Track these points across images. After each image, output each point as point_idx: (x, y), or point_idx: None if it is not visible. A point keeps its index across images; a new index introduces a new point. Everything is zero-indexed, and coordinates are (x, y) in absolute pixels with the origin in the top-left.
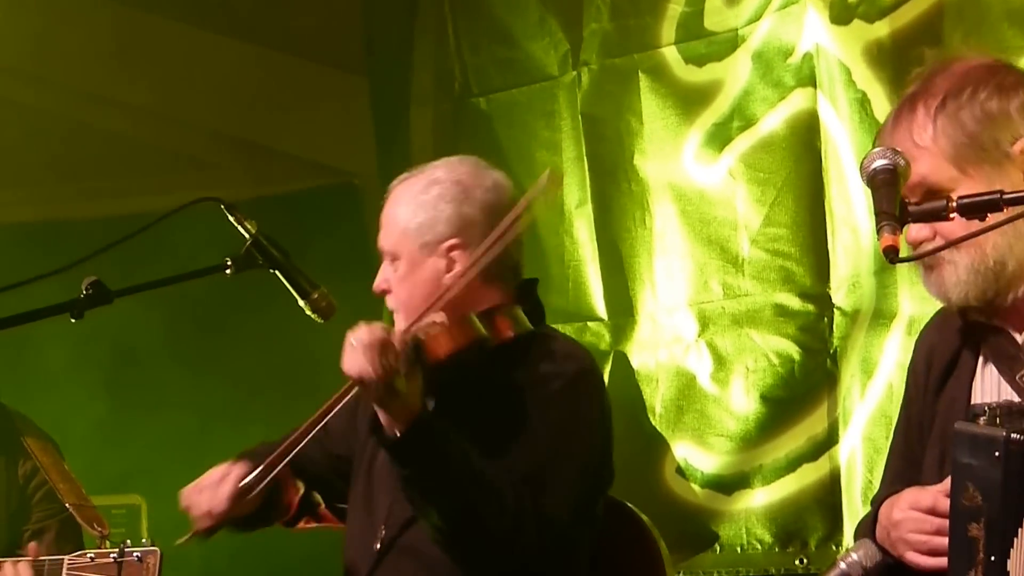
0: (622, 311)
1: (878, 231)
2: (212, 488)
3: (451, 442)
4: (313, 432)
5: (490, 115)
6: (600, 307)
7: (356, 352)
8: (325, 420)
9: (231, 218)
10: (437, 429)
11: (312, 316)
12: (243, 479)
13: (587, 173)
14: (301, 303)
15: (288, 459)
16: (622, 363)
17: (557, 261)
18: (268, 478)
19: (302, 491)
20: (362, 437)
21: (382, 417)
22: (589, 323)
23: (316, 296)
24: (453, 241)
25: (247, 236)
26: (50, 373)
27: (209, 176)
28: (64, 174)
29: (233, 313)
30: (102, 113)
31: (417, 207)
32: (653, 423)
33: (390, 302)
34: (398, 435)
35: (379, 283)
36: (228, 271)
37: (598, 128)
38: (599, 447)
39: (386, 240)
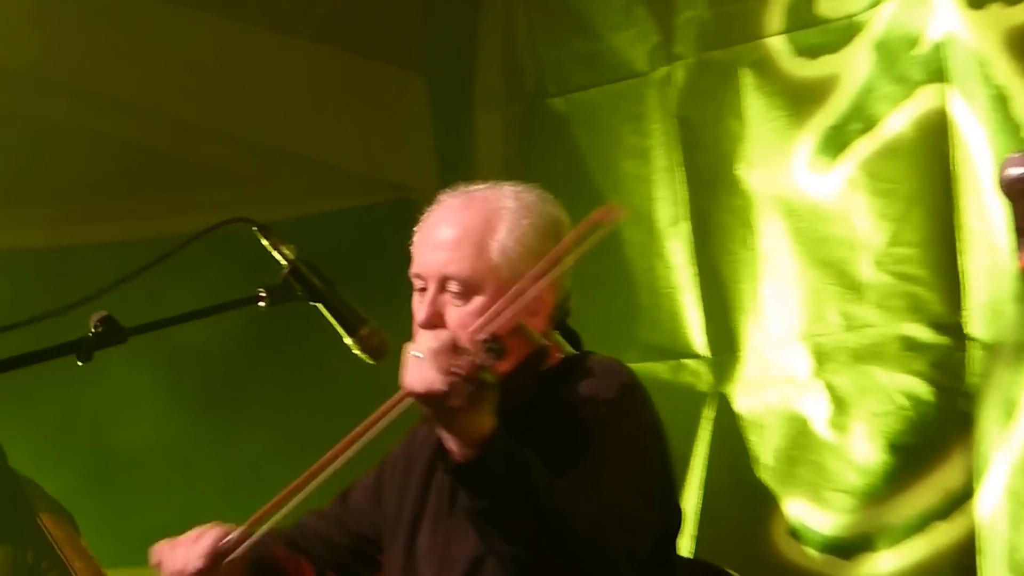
0: (724, 346)
1: (1018, 250)
2: (188, 545)
3: (533, 467)
4: (312, 486)
5: (568, 118)
6: (698, 342)
7: (423, 362)
8: (328, 470)
9: (265, 242)
10: (518, 449)
11: (361, 356)
12: (224, 538)
13: (681, 186)
14: (348, 341)
15: (275, 516)
16: (724, 407)
17: (647, 289)
18: (251, 539)
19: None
20: (392, 511)
21: (451, 442)
22: (685, 360)
23: (366, 332)
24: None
25: (284, 263)
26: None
27: (244, 193)
28: (77, 192)
29: (268, 352)
30: (121, 121)
31: (520, 235)
32: (761, 477)
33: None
34: (472, 458)
35: (430, 314)
36: (262, 304)
37: (694, 133)
38: (666, 465)
39: (460, 266)
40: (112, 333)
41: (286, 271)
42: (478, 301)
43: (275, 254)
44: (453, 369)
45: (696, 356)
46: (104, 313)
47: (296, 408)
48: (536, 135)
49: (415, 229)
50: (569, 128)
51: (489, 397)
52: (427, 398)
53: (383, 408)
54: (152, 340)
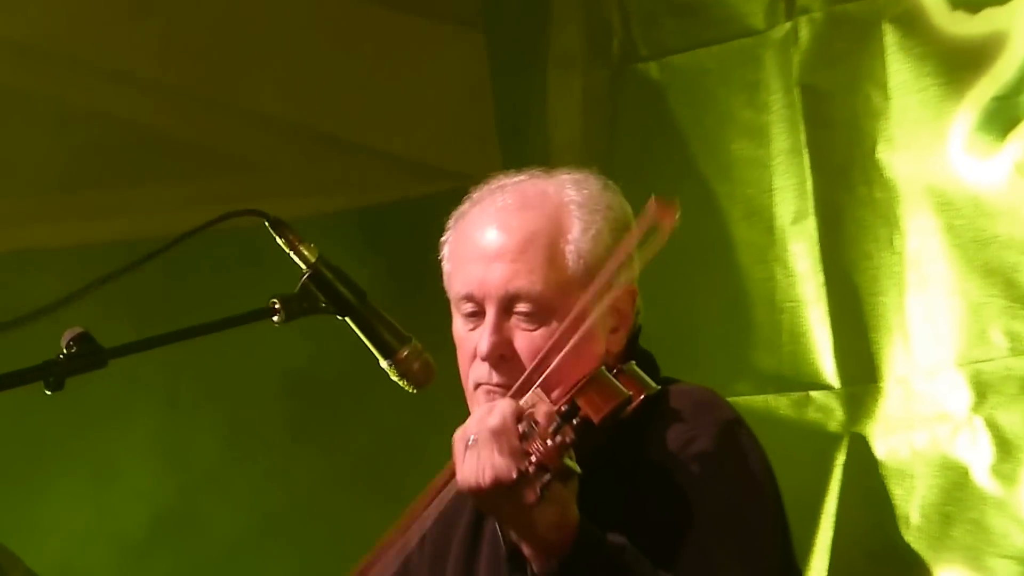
0: (860, 375)
1: None
2: None
3: (634, 566)
4: None
5: (664, 87)
6: (828, 369)
7: (479, 449)
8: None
9: (280, 240)
10: (614, 549)
11: (400, 383)
12: None
13: (808, 173)
14: (383, 364)
15: None
16: (861, 451)
17: (764, 302)
18: None
19: None
20: None
21: (527, 547)
22: (812, 393)
23: (406, 354)
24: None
25: (303, 267)
26: None
27: (266, 181)
28: (71, 181)
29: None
30: (125, 98)
31: (595, 234)
32: (907, 538)
33: (504, 373)
34: (557, 569)
35: (497, 343)
36: (276, 319)
37: (824, 106)
38: (783, 528)
39: (530, 280)
40: (88, 355)
41: (305, 277)
42: (555, 324)
43: (292, 256)
44: (526, 451)
45: (825, 387)
46: (79, 330)
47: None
48: (623, 108)
49: (446, 239)
50: (665, 100)
51: (571, 487)
52: (490, 494)
53: (431, 490)
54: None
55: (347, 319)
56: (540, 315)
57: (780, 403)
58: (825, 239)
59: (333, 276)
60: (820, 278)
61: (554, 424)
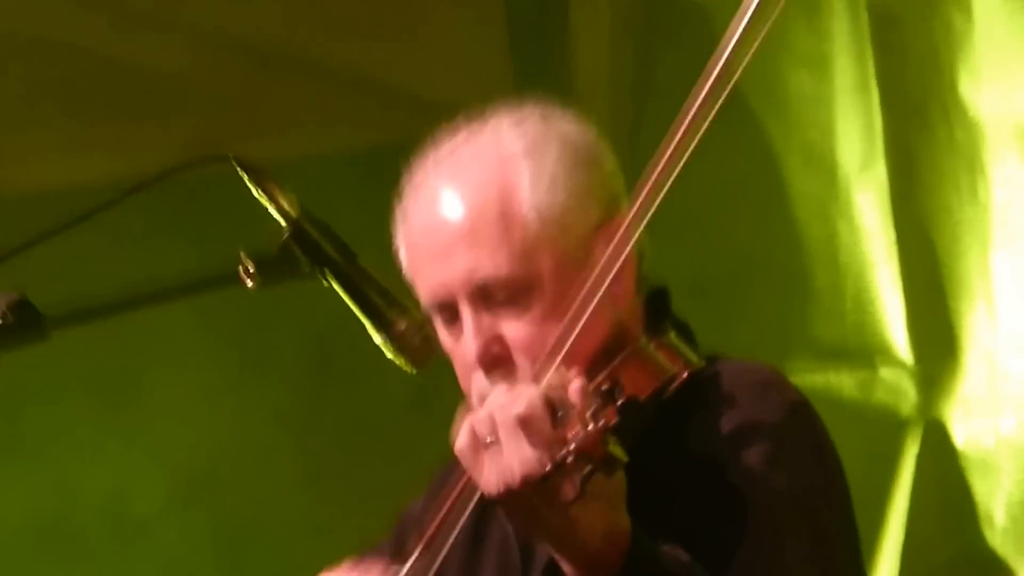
0: (937, 349)
1: None
2: None
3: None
4: None
5: (708, 12)
6: (899, 342)
7: (502, 445)
8: None
9: (254, 189)
10: (671, 558)
11: (396, 361)
12: None
13: (876, 111)
14: (377, 339)
15: None
16: (938, 439)
17: (825, 263)
18: None
19: None
20: None
21: (569, 562)
22: (880, 370)
23: (403, 328)
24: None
25: (283, 222)
26: None
27: (257, 118)
28: (23, 120)
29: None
30: (90, 27)
31: (551, 180)
32: (990, 541)
33: (507, 374)
34: None
35: (485, 343)
36: (249, 283)
37: (896, 32)
38: (853, 526)
39: (493, 261)
40: (26, 325)
41: (286, 235)
42: (542, 299)
43: (269, 207)
44: (562, 437)
45: (895, 364)
46: (16, 296)
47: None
48: (658, 32)
49: (397, 244)
50: (709, 23)
51: (618, 483)
52: (522, 496)
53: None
54: None
55: (335, 285)
56: (520, 296)
57: (842, 382)
58: (896, 189)
59: (319, 233)
60: (891, 235)
61: (593, 404)
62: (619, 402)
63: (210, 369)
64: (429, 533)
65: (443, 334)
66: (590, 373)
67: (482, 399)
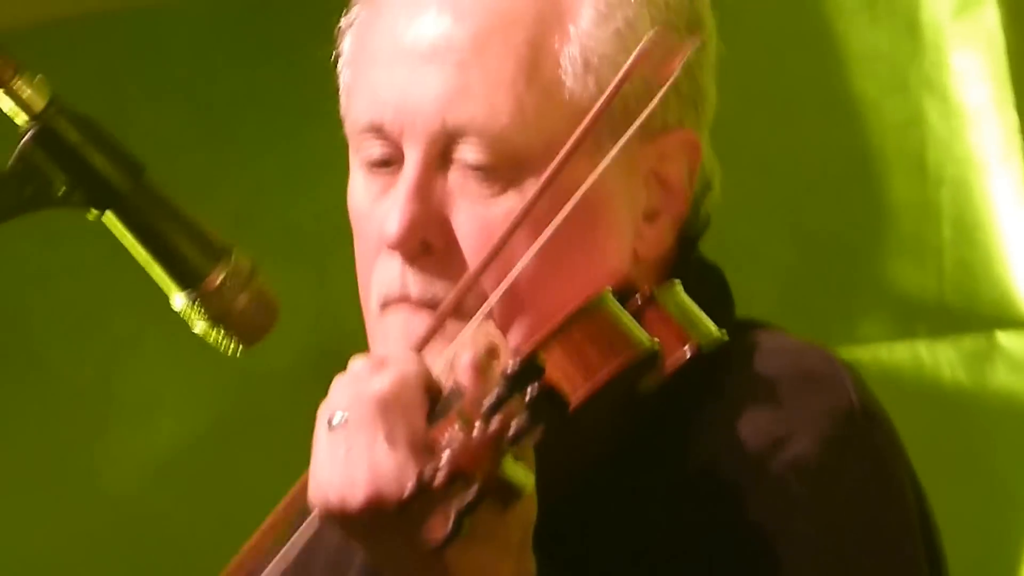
0: None
1: None
2: None
3: None
4: None
5: None
6: None
7: (349, 435)
8: None
9: None
10: None
11: (208, 337)
12: None
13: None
14: (177, 301)
15: None
16: None
17: (908, 172)
18: None
19: None
20: None
21: None
22: (999, 333)
23: (221, 282)
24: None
25: (21, 122)
26: None
27: None
28: None
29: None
30: None
31: (621, 30)
32: None
33: (434, 278)
34: None
35: (416, 218)
36: None
37: None
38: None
39: (490, 105)
40: None
41: (28, 136)
42: (529, 189)
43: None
44: (433, 442)
45: (1020, 325)
46: None
47: None
48: None
49: (347, 21)
50: None
51: (520, 519)
52: (365, 519)
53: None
54: None
55: (111, 219)
56: (503, 171)
57: (940, 354)
58: (1017, 43)
59: (83, 137)
60: (1012, 118)
61: (493, 396)
62: (531, 397)
63: (195, 369)
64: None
65: (358, 179)
66: (525, 338)
67: (384, 300)
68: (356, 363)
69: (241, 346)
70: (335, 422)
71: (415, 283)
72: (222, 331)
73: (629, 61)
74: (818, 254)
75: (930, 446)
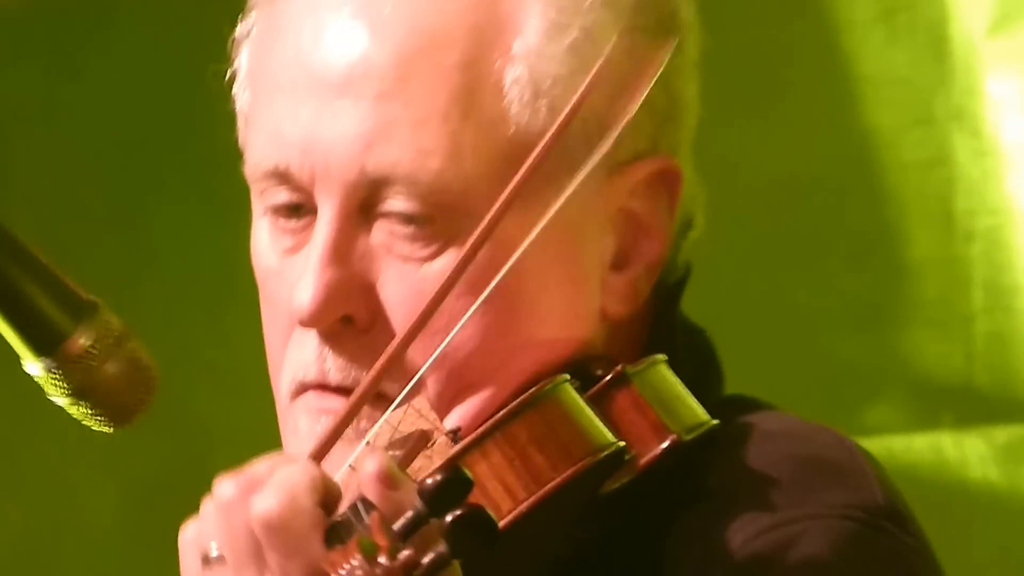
0: None
1: None
2: None
3: None
4: None
5: None
6: None
7: (233, 570)
8: None
9: None
10: None
11: (72, 411)
12: None
13: None
14: (33, 369)
15: None
16: None
17: (932, 224)
18: None
19: None
20: None
21: None
22: None
23: (85, 345)
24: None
25: None
26: None
27: None
28: None
29: None
30: None
31: (584, 39)
32: None
33: (355, 359)
34: None
35: (334, 288)
36: None
37: None
38: None
39: (405, 149)
40: None
41: None
42: (467, 244)
43: None
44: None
45: None
46: None
47: None
48: None
49: (242, 32)
50: None
51: None
52: None
53: None
54: None
55: None
56: (439, 224)
57: (968, 448)
58: None
59: None
60: None
61: (405, 519)
62: (454, 517)
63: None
64: None
65: (263, 229)
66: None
67: (297, 386)
68: (225, 483)
69: (111, 426)
70: (212, 556)
71: (335, 366)
72: (87, 407)
73: (587, 80)
74: (818, 323)
75: (955, 556)
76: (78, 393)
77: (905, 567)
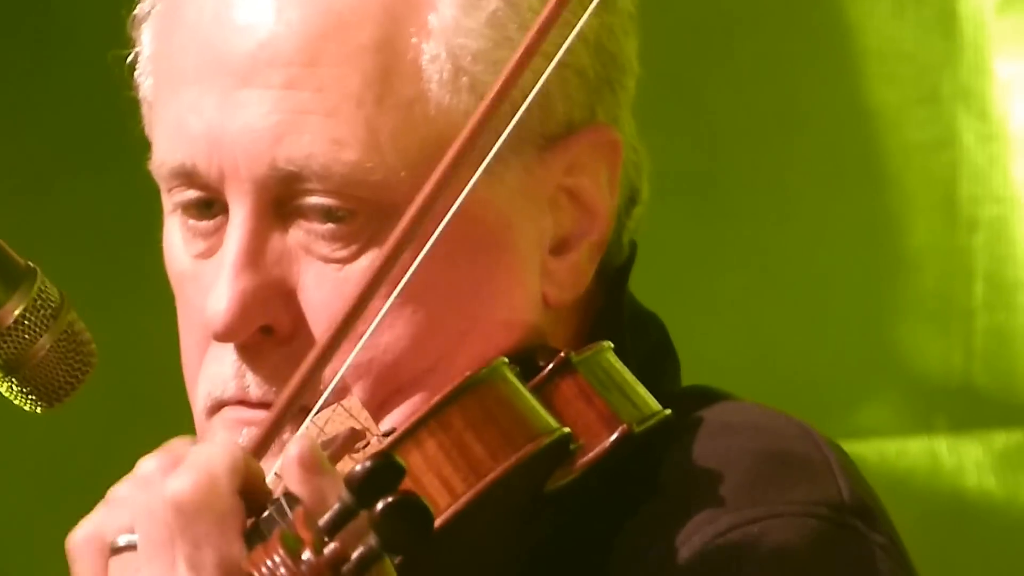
0: None
1: None
2: None
3: None
4: None
5: None
6: None
7: (141, 562)
8: None
9: None
10: None
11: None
12: None
13: None
14: None
15: None
16: None
17: (932, 216)
18: None
19: None
20: None
21: None
22: None
23: (16, 316)
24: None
25: None
26: None
27: None
28: None
29: None
30: None
31: (495, 16)
32: None
33: (272, 374)
34: None
35: (248, 299)
36: None
37: None
38: None
39: (317, 139)
40: None
41: None
42: (388, 240)
43: None
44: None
45: None
46: None
47: None
48: None
49: (141, 22)
50: None
51: None
52: None
53: None
54: None
55: None
56: (360, 221)
57: (964, 453)
58: None
59: None
60: None
61: (332, 511)
62: (384, 508)
63: None
64: None
65: (173, 229)
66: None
67: (213, 403)
68: (146, 462)
69: (41, 406)
70: (120, 544)
71: (254, 382)
72: (15, 384)
73: (517, 55)
74: (808, 317)
75: (948, 565)
76: (6, 368)
77: (872, 568)
